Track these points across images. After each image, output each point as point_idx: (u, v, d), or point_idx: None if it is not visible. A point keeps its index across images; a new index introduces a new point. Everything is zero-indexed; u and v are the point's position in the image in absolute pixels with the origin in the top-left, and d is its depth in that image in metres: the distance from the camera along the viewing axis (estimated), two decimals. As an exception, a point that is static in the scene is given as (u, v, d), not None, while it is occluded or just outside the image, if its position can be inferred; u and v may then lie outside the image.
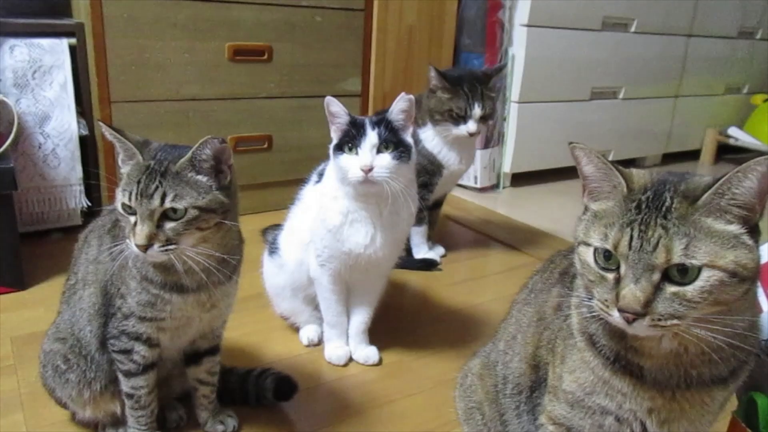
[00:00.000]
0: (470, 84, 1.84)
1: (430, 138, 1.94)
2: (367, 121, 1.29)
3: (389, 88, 2.60)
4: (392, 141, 1.28)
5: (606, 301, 0.67)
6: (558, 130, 3.03)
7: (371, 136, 1.26)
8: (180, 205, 0.91)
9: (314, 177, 1.48)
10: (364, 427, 1.22)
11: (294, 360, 1.44)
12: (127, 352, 1.03)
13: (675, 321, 0.64)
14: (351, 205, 1.31)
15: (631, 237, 0.65)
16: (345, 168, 1.28)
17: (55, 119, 1.93)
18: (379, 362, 1.45)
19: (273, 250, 1.52)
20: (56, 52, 1.90)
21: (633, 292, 0.64)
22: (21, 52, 1.86)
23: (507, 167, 2.97)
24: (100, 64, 1.96)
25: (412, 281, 1.91)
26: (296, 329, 1.55)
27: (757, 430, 0.79)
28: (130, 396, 1.07)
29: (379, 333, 1.50)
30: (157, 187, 0.91)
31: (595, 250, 0.69)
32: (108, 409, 1.11)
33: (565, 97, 3.06)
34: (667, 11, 3.28)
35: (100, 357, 1.07)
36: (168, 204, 0.91)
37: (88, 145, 2.03)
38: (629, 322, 0.65)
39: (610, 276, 0.67)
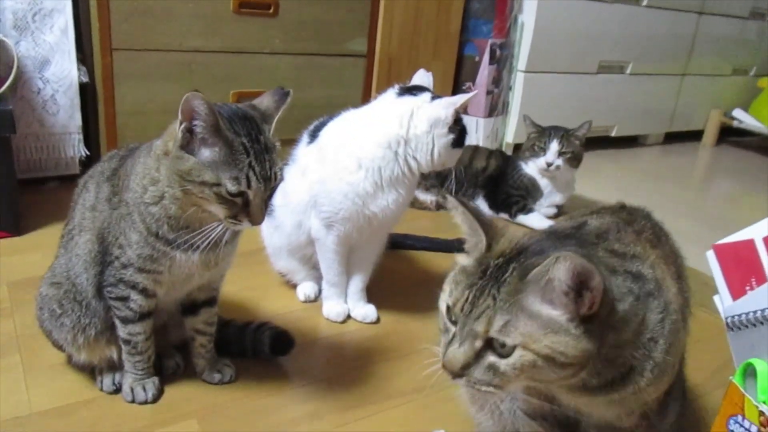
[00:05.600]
0: (553, 128, 2.20)
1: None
2: None
3: (395, 50, 2.55)
4: None
5: (441, 353, 0.70)
6: (563, 102, 3.01)
7: None
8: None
9: (306, 138, 1.45)
10: (360, 383, 1.22)
11: (291, 315, 1.44)
12: (123, 299, 1.03)
13: (490, 389, 0.66)
14: (394, 175, 1.32)
15: (466, 300, 0.67)
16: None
17: (54, 64, 1.90)
18: (377, 321, 1.45)
19: (269, 211, 1.51)
20: (57, -6, 1.86)
21: (454, 354, 0.67)
22: (21, -8, 1.81)
23: (510, 137, 2.96)
24: (102, 10, 1.91)
25: (410, 245, 1.91)
26: (293, 286, 1.55)
27: (755, 395, 0.79)
28: (127, 342, 1.07)
29: (378, 293, 1.51)
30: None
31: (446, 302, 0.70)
32: (103, 354, 1.11)
33: (572, 68, 3.03)
34: (681, -14, 3.23)
35: (97, 304, 1.06)
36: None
37: (88, 93, 1.99)
38: (452, 378, 0.68)
39: (452, 331, 0.69)
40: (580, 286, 0.62)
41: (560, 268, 0.61)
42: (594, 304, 0.63)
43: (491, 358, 0.65)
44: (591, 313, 0.63)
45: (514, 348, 0.63)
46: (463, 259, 0.73)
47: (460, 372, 0.67)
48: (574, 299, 0.62)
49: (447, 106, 1.30)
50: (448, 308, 0.70)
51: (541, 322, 0.63)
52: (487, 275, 0.67)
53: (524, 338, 0.63)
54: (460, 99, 1.30)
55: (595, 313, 0.64)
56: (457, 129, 1.32)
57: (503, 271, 0.66)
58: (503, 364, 0.64)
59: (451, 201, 0.73)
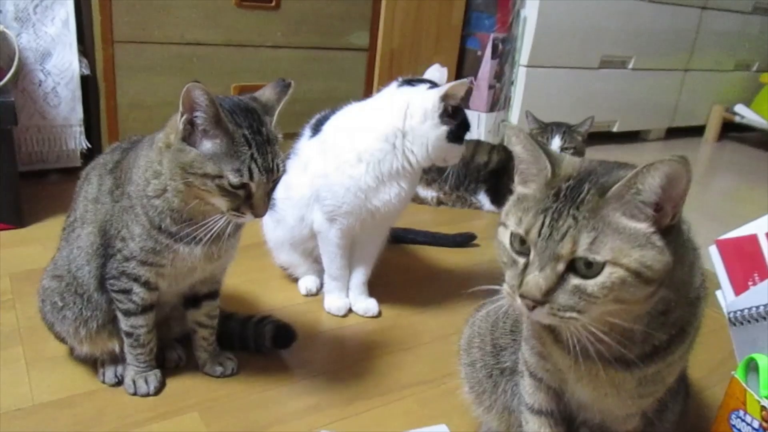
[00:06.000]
0: (555, 124, 2.17)
1: None
2: None
3: (397, 44, 2.55)
4: None
5: (512, 286, 0.67)
6: (565, 96, 3.01)
7: None
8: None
9: (308, 131, 1.45)
10: (362, 377, 1.23)
11: (293, 309, 1.44)
12: (126, 292, 1.03)
13: (573, 314, 0.64)
14: (393, 169, 1.31)
15: (543, 224, 0.65)
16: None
17: (56, 56, 1.89)
18: (379, 314, 1.45)
19: (271, 204, 1.50)
20: (59, -14, 1.85)
21: (536, 280, 0.64)
22: (22, -16, 1.81)
23: (511, 132, 2.95)
24: (104, 2, 1.90)
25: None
26: (295, 280, 1.55)
27: (757, 390, 0.80)
28: (129, 334, 1.07)
29: (380, 288, 1.51)
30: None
31: (512, 233, 0.68)
32: (105, 347, 1.11)
33: (575, 63, 3.02)
34: (684, -19, 3.22)
35: (99, 296, 1.06)
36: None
37: (89, 85, 1.99)
38: (530, 309, 0.65)
39: (521, 261, 0.67)
40: (664, 197, 0.62)
41: (653, 175, 0.61)
42: (676, 214, 0.63)
43: (575, 280, 0.63)
44: (670, 224, 0.64)
45: (602, 266, 0.62)
46: (522, 189, 0.71)
47: (544, 299, 0.64)
48: (655, 211, 0.63)
49: (435, 93, 1.29)
50: (513, 239, 0.68)
51: (627, 237, 0.62)
52: (560, 198, 0.65)
53: (614, 253, 0.62)
54: (446, 86, 1.28)
55: (672, 226, 0.64)
56: (454, 122, 1.31)
57: (578, 191, 0.65)
58: (591, 284, 0.63)
59: (511, 129, 0.71)
